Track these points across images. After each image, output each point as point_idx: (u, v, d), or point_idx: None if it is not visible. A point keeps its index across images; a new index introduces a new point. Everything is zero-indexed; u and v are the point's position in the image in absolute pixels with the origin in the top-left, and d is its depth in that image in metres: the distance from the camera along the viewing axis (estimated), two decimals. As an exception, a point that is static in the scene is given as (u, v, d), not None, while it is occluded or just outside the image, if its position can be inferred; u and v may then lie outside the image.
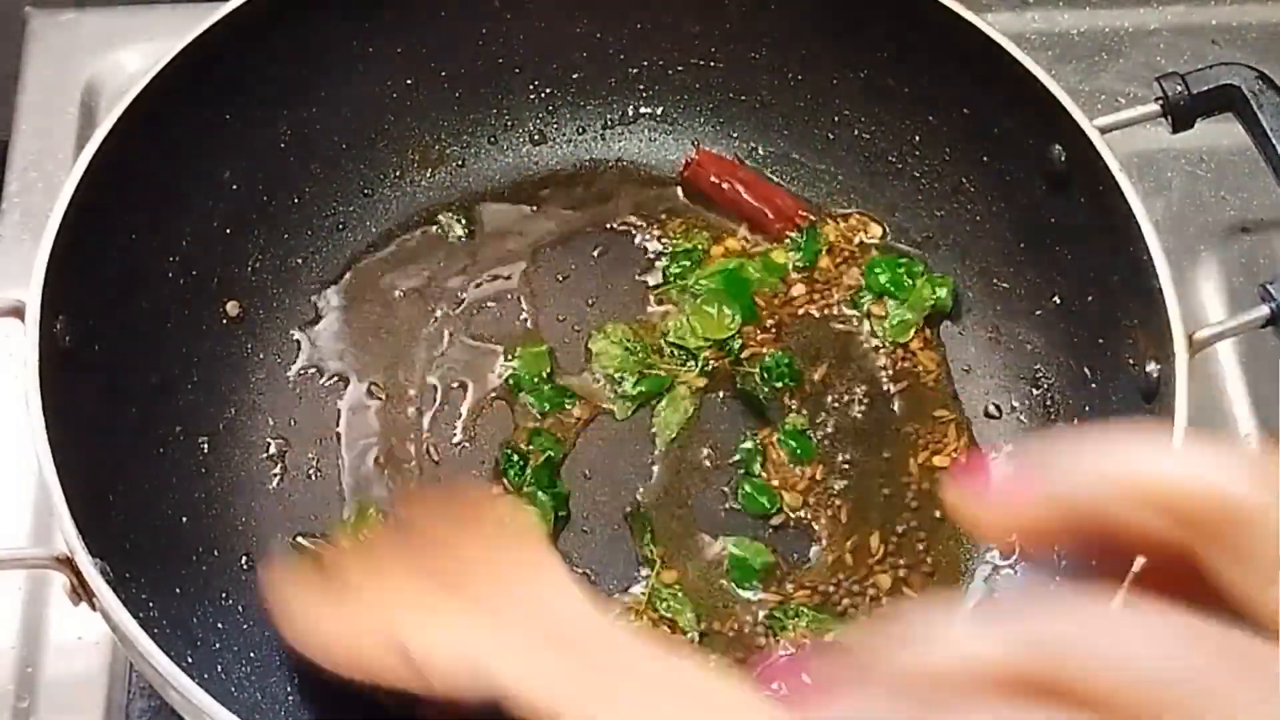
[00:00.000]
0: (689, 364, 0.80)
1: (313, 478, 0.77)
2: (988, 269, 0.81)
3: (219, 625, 0.70)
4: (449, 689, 0.53)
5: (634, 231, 0.85)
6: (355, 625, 0.58)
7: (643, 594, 0.74)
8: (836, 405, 0.79)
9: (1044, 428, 0.78)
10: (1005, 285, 0.80)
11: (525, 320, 0.82)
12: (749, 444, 0.78)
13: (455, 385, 0.80)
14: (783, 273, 0.83)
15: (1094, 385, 0.75)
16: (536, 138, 0.87)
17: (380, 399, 0.79)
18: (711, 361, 0.80)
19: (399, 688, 0.56)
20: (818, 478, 0.77)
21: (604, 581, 0.74)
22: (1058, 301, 0.77)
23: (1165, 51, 0.95)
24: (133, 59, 0.92)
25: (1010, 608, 0.30)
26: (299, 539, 0.75)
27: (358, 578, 0.62)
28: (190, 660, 0.63)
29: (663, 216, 0.85)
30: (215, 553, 0.73)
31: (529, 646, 0.52)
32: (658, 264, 0.84)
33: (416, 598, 0.57)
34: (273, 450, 0.77)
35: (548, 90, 0.87)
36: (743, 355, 0.80)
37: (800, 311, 0.82)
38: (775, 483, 0.77)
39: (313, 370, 0.80)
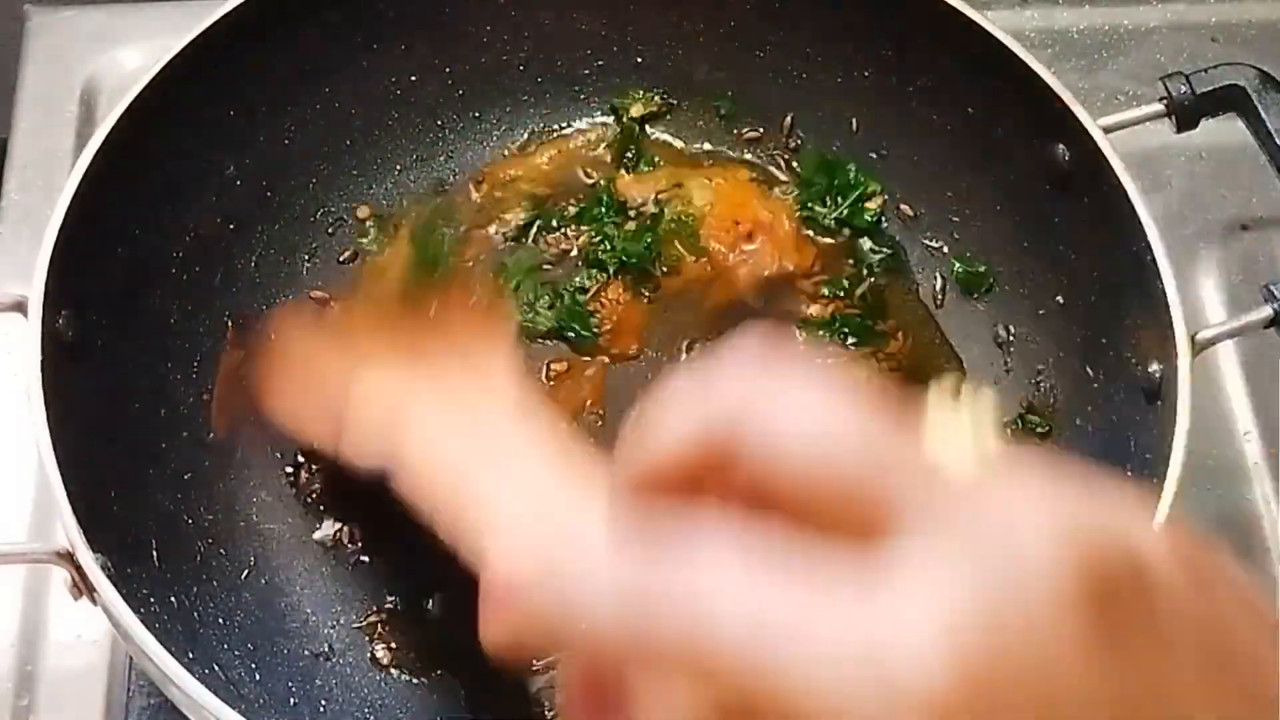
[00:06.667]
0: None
1: (317, 474, 0.76)
2: (990, 268, 0.81)
3: (220, 621, 0.70)
4: (353, 445, 0.56)
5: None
6: (324, 376, 0.60)
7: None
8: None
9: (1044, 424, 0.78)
10: (1007, 285, 0.81)
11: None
12: None
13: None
14: None
15: (1095, 385, 0.75)
16: (541, 135, 0.87)
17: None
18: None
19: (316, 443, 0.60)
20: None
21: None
22: (1060, 301, 0.77)
23: (1164, 49, 0.95)
24: (133, 56, 0.91)
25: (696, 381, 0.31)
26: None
27: (345, 339, 0.64)
28: (191, 656, 0.63)
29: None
30: (217, 548, 0.73)
31: (444, 422, 0.53)
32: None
33: (379, 356, 0.60)
34: (277, 447, 0.77)
35: (552, 87, 0.86)
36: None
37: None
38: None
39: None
